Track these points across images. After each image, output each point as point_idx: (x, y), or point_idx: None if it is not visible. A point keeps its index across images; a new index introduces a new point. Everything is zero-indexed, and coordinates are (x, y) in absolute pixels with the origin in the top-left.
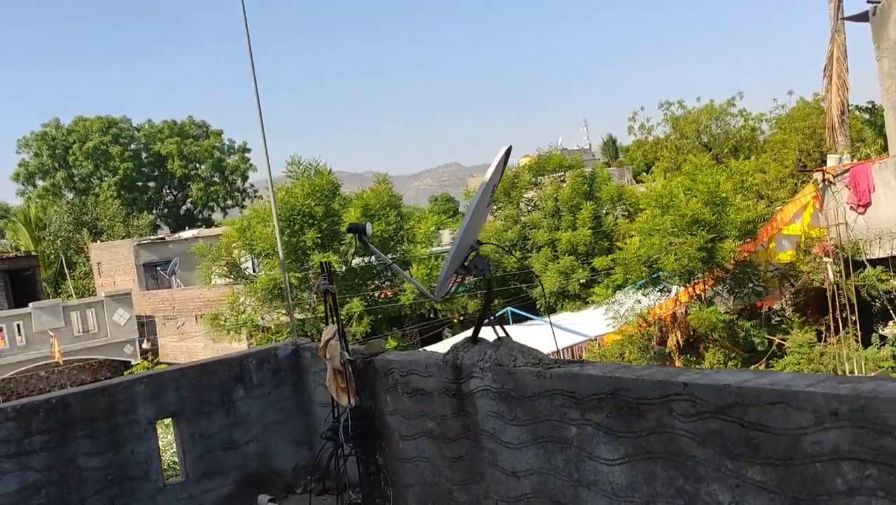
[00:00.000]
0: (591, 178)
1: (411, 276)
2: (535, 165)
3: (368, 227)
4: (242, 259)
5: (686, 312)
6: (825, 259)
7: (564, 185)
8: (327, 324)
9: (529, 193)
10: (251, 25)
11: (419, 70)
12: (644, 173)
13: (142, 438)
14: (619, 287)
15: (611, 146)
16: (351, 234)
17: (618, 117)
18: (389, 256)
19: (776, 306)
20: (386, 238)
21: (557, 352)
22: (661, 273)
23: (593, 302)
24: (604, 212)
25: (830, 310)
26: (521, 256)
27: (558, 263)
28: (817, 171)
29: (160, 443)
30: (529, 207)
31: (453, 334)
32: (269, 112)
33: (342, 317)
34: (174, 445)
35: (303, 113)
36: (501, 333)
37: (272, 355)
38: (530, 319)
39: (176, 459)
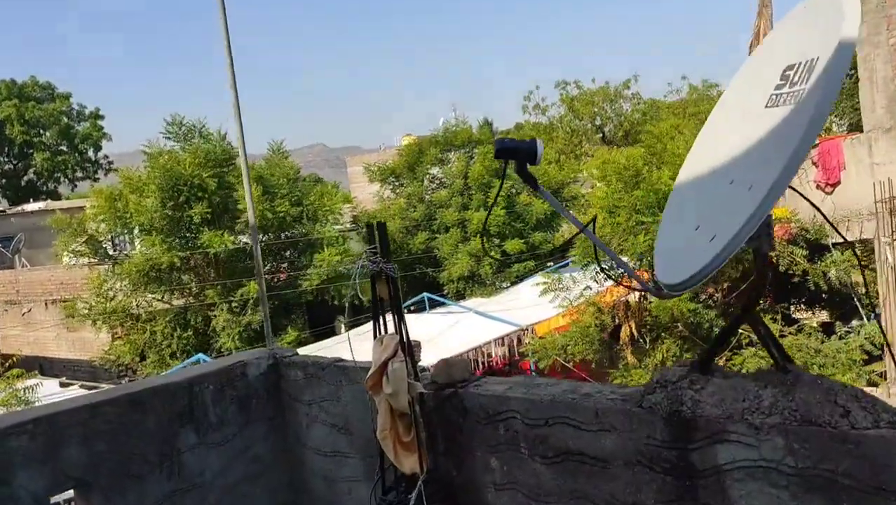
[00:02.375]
0: None
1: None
2: (442, 140)
3: (539, 146)
4: (110, 236)
5: (641, 299)
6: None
7: (474, 161)
8: (378, 327)
9: (434, 170)
10: None
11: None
12: None
13: None
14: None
15: (487, 129)
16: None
17: (492, 101)
18: (291, 236)
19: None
20: (288, 219)
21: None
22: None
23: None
24: (514, 192)
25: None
26: (428, 237)
27: (469, 245)
28: None
29: None
30: (435, 185)
31: (347, 325)
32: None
33: (235, 301)
34: None
35: (148, 88)
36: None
37: (237, 376)
38: (445, 303)
39: None
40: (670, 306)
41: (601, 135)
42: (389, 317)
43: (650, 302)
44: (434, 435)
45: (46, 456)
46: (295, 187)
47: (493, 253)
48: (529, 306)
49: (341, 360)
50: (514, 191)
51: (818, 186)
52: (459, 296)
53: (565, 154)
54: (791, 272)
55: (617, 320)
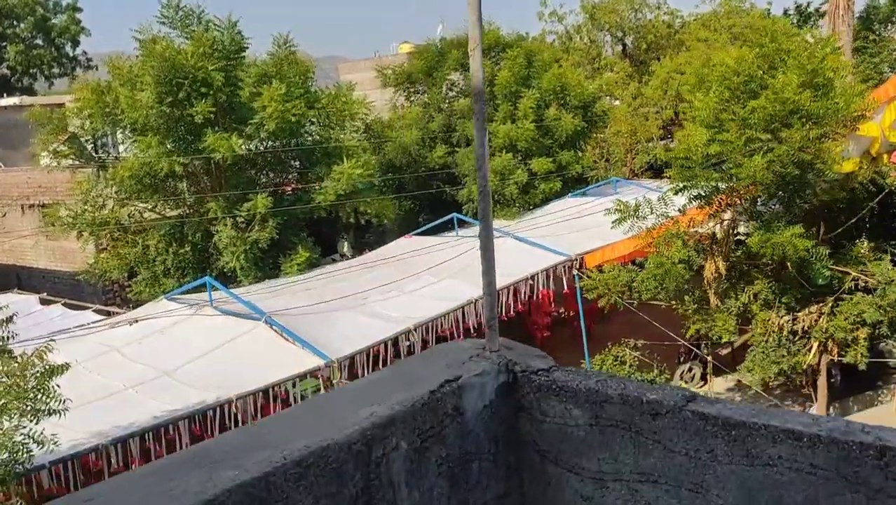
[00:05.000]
0: (529, 61)
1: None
2: (467, 42)
3: None
4: (96, 135)
5: (731, 231)
6: None
7: (500, 67)
8: None
9: (454, 75)
10: None
11: None
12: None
13: None
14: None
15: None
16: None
17: (501, 7)
18: (303, 143)
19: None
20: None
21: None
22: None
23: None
24: (544, 104)
25: None
26: (447, 151)
27: (493, 161)
28: None
29: None
30: (455, 92)
31: (350, 244)
32: None
33: (241, 215)
34: None
35: None
36: None
37: (447, 416)
38: (472, 223)
39: None
40: (782, 241)
41: (622, 47)
42: None
43: (747, 235)
44: None
45: None
46: (309, 87)
47: (519, 171)
48: (570, 232)
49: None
50: (542, 103)
51: None
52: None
53: (583, 68)
54: None
55: (701, 255)
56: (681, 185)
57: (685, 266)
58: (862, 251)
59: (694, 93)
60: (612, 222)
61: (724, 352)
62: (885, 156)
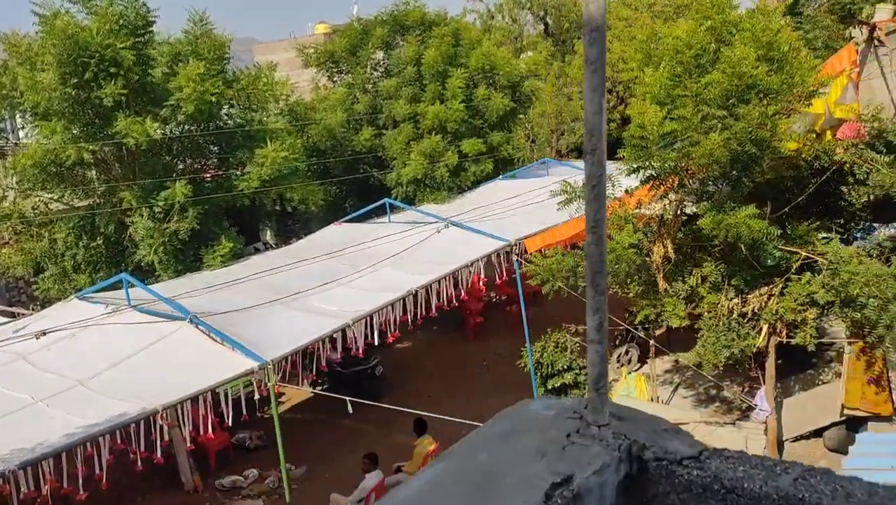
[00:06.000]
0: (456, 40)
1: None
2: (391, 20)
3: None
4: None
5: (679, 212)
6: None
7: (428, 46)
8: None
9: (379, 55)
10: None
11: None
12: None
13: None
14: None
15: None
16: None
17: None
18: (222, 127)
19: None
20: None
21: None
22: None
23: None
24: (472, 83)
25: None
26: (374, 134)
27: (422, 144)
28: (863, 23)
29: None
30: (380, 73)
31: (274, 232)
32: None
33: (157, 205)
34: None
35: None
36: None
37: None
38: (404, 208)
39: None
40: (735, 222)
41: (544, 26)
42: None
43: (695, 216)
44: None
45: None
46: (226, 66)
47: (449, 153)
48: (506, 216)
49: None
50: (471, 83)
51: None
52: (409, 202)
53: (505, 47)
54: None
55: (649, 238)
56: (635, 165)
57: (636, 250)
58: (809, 231)
59: (641, 68)
60: (559, 204)
61: (659, 332)
62: (829, 132)
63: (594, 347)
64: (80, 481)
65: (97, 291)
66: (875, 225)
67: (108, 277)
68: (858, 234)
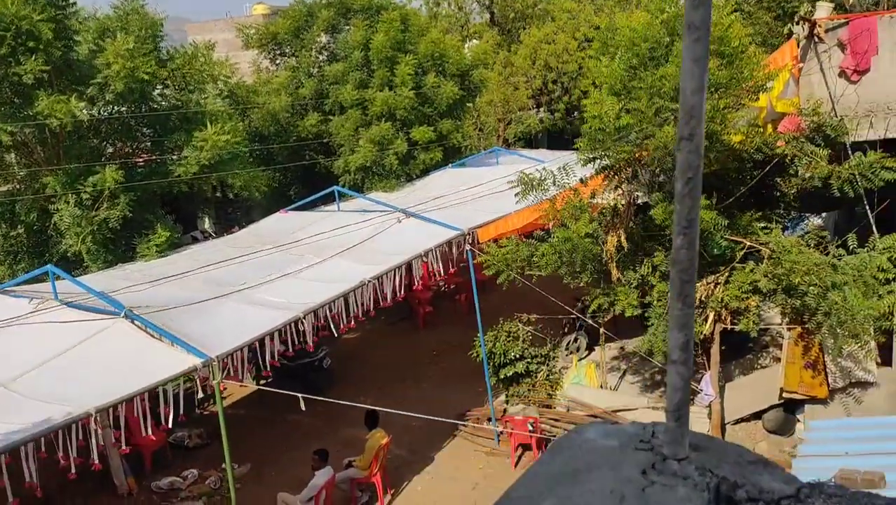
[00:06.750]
0: (405, 26)
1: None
2: (337, 2)
3: None
4: None
5: (632, 202)
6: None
7: (376, 30)
8: None
9: (324, 38)
10: None
11: None
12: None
13: None
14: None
15: None
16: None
17: None
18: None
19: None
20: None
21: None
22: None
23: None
24: (421, 70)
25: None
26: (319, 119)
27: (370, 130)
28: (804, 20)
29: None
30: (325, 56)
31: (211, 219)
32: None
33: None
34: None
35: None
36: None
37: None
38: (354, 196)
39: None
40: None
41: (490, 15)
42: None
43: (646, 206)
44: None
45: None
46: (159, 45)
47: (398, 140)
48: (457, 204)
49: None
50: (420, 70)
51: (842, 73)
52: (357, 189)
53: (451, 35)
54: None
55: (602, 227)
56: (590, 155)
57: (592, 240)
58: (752, 221)
59: (598, 58)
60: (516, 195)
61: (605, 319)
62: (770, 125)
63: (676, 369)
64: (9, 489)
65: (19, 284)
66: (805, 215)
67: (30, 268)
68: (789, 224)
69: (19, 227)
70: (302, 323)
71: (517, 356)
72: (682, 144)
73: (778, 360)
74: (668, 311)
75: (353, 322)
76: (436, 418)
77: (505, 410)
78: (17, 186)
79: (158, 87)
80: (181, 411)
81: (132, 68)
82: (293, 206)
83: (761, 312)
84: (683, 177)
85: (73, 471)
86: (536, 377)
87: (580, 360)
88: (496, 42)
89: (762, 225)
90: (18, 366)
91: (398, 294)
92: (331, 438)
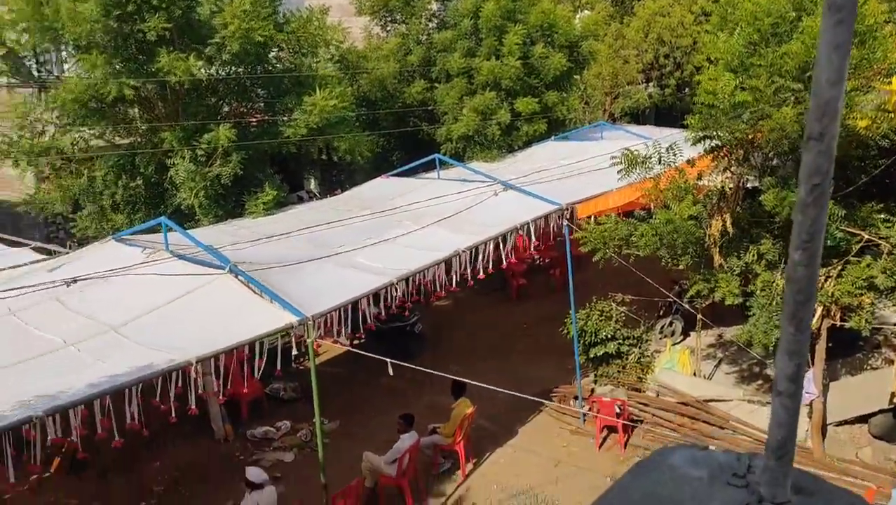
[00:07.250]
0: None
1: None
2: None
3: None
4: (34, 51)
5: (741, 186)
6: None
7: None
8: None
9: (434, 5)
10: None
11: None
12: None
13: None
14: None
15: None
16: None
17: None
18: (270, 70)
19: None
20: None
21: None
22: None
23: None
24: (530, 41)
25: None
26: (425, 87)
27: (474, 99)
28: None
29: None
30: (435, 24)
31: (316, 180)
32: None
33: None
34: None
35: None
36: None
37: None
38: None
39: None
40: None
41: None
42: None
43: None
44: None
45: None
46: (277, 8)
47: (502, 111)
48: (557, 179)
49: None
50: (529, 40)
51: None
52: (458, 158)
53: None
54: None
55: (707, 211)
56: (701, 134)
57: (696, 223)
58: (872, 212)
59: (715, 32)
60: (619, 172)
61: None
62: None
63: (782, 402)
64: (115, 429)
65: (135, 234)
66: None
67: (146, 218)
68: None
69: (138, 178)
70: (396, 288)
71: (609, 336)
72: (811, 144)
73: (891, 362)
74: (780, 335)
75: (444, 292)
76: (521, 396)
77: (592, 390)
78: (139, 140)
79: (274, 49)
80: (278, 366)
81: (247, 29)
82: (394, 171)
83: (875, 310)
84: (809, 182)
85: (174, 415)
86: (627, 359)
87: (674, 345)
88: (608, 13)
89: (883, 217)
90: (128, 312)
91: (493, 265)
92: (416, 403)
